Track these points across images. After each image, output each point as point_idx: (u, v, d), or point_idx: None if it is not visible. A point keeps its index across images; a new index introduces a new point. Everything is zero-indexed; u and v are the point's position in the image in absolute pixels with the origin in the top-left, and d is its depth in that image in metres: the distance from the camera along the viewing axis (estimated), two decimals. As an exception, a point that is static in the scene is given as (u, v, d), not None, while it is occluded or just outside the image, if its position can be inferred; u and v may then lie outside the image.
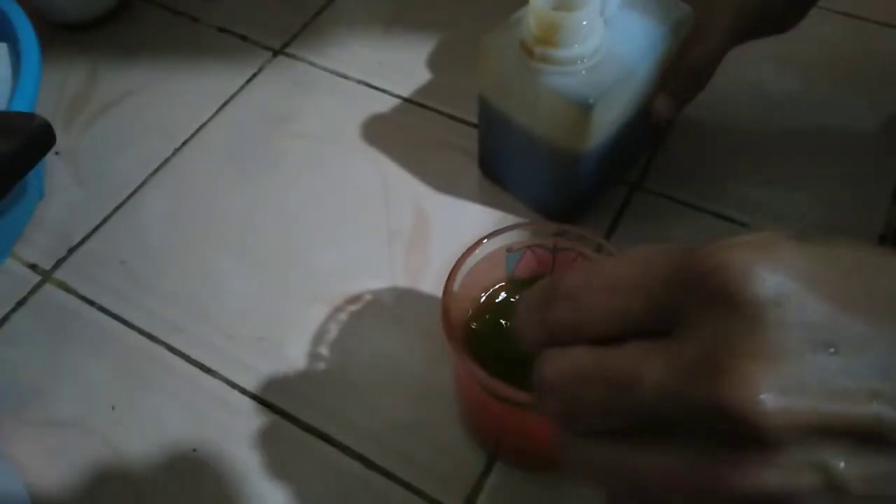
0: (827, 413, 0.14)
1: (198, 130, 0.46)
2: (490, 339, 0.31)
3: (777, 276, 0.15)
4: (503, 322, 0.32)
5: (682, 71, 0.36)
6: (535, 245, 0.32)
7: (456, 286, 0.30)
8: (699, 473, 0.15)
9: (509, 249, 0.32)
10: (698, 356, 0.15)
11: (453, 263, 0.31)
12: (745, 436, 0.14)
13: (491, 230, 0.41)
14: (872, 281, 0.16)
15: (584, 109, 0.33)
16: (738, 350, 0.15)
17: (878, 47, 0.49)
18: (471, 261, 0.31)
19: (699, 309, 0.16)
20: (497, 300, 0.33)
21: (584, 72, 0.33)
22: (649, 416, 0.16)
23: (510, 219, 0.41)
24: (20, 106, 0.38)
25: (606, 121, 0.35)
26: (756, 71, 0.48)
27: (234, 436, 0.35)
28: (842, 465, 0.14)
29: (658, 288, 0.17)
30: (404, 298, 0.39)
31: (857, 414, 0.14)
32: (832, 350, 0.15)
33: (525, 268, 0.33)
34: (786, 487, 0.14)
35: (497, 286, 0.33)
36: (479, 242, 0.31)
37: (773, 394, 0.14)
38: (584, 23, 0.32)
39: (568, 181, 0.37)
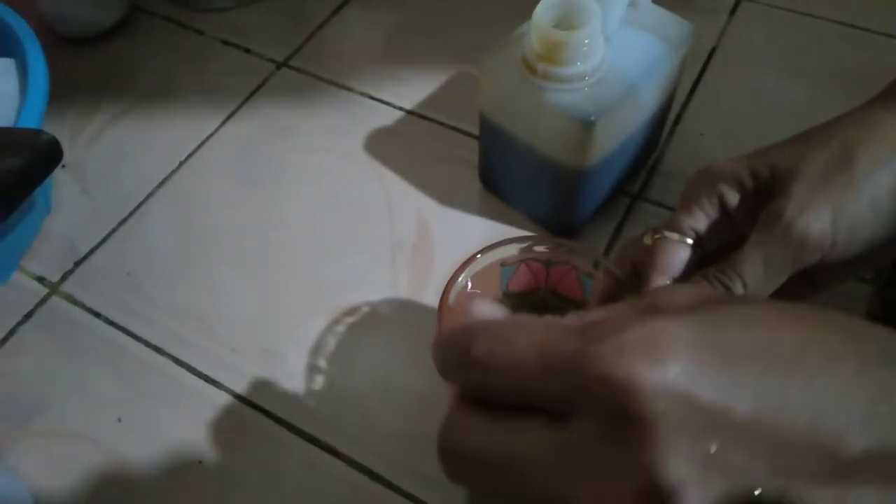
0: None
1: (203, 143, 0.47)
2: None
3: (660, 387, 0.16)
4: None
5: None
6: (529, 259, 0.32)
7: (451, 301, 0.31)
8: None
9: (503, 263, 0.32)
10: (583, 466, 0.16)
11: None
12: None
13: (493, 241, 0.42)
14: (759, 364, 0.16)
15: (585, 127, 0.33)
16: (621, 473, 0.16)
17: (878, 57, 0.49)
18: (465, 275, 0.31)
19: (588, 411, 0.17)
20: None
21: (586, 89, 0.34)
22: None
23: (512, 231, 0.42)
24: (28, 121, 0.38)
25: (608, 138, 0.35)
26: (757, 81, 0.48)
27: (240, 447, 0.35)
28: None
29: (554, 380, 0.18)
30: (407, 310, 0.39)
31: None
32: (714, 450, 0.16)
33: (519, 281, 0.33)
34: None
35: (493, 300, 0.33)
36: (472, 257, 0.31)
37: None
38: (587, 41, 0.32)
39: (569, 196, 0.38)
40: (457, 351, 0.20)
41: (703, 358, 0.16)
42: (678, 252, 0.30)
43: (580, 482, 0.16)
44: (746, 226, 0.30)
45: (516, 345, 0.18)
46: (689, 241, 0.30)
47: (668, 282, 0.30)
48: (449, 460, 0.19)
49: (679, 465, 0.16)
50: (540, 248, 0.32)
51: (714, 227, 0.31)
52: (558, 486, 0.17)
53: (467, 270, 0.31)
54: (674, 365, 0.16)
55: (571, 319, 0.19)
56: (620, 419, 0.16)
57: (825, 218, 0.27)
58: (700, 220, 0.31)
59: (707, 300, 0.18)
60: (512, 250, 0.32)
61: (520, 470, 0.18)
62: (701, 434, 0.16)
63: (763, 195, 0.29)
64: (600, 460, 0.16)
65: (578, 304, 0.33)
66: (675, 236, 0.30)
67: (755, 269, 0.28)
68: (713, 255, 0.31)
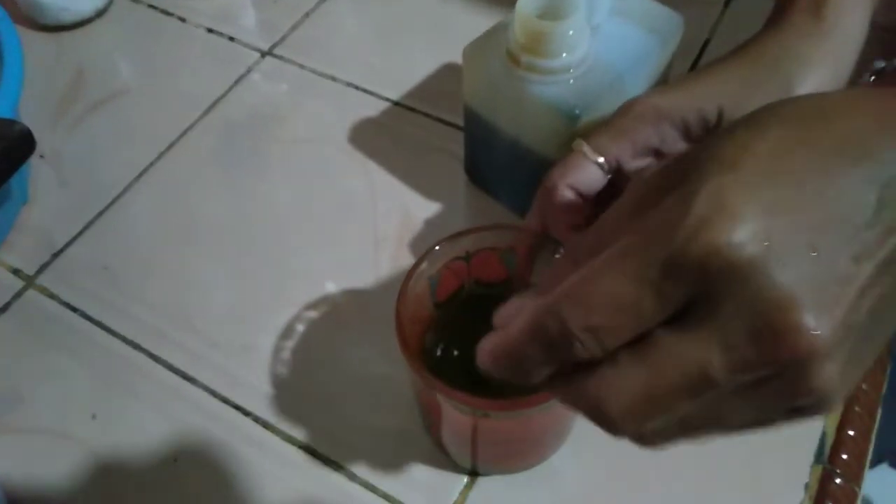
0: (858, 303, 0.17)
1: (184, 133, 0.46)
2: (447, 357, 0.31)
3: (755, 233, 0.16)
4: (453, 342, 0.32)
5: None
6: (449, 261, 0.31)
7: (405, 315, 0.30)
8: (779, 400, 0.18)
9: (429, 277, 0.31)
10: (745, 330, 0.17)
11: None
12: (810, 363, 0.17)
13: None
14: (823, 177, 0.17)
15: (570, 120, 0.32)
16: (772, 307, 0.16)
17: (872, 52, 0.49)
18: (412, 287, 0.30)
19: (713, 291, 0.17)
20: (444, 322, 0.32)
21: (571, 81, 0.33)
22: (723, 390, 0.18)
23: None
24: (2, 111, 0.37)
25: (593, 131, 0.34)
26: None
27: (215, 446, 0.34)
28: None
29: (664, 290, 0.17)
30: (390, 306, 0.38)
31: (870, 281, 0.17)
32: (815, 253, 0.17)
33: (445, 288, 0.32)
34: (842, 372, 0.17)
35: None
36: (416, 266, 0.30)
37: (824, 322, 0.16)
38: (571, 32, 0.31)
39: (554, 191, 0.37)
40: (544, 339, 0.19)
41: (770, 196, 0.17)
42: (587, 170, 0.29)
43: (753, 351, 0.17)
44: None
45: (612, 289, 0.18)
46: (601, 160, 0.29)
47: (570, 196, 0.29)
48: (634, 422, 0.19)
49: (798, 277, 0.16)
50: (462, 242, 0.30)
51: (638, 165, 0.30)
52: (740, 367, 0.17)
53: (412, 281, 0.30)
54: (754, 212, 0.17)
55: (611, 225, 0.19)
56: (744, 277, 0.16)
57: None
58: (626, 152, 0.29)
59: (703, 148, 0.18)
60: (441, 254, 0.30)
61: (700, 381, 0.17)
62: (808, 251, 0.17)
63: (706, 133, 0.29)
64: (757, 323, 0.17)
65: (506, 283, 0.32)
66: (591, 153, 0.29)
67: None
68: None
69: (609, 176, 0.30)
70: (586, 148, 0.29)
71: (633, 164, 0.30)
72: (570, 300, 0.18)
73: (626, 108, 0.29)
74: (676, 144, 0.29)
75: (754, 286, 0.16)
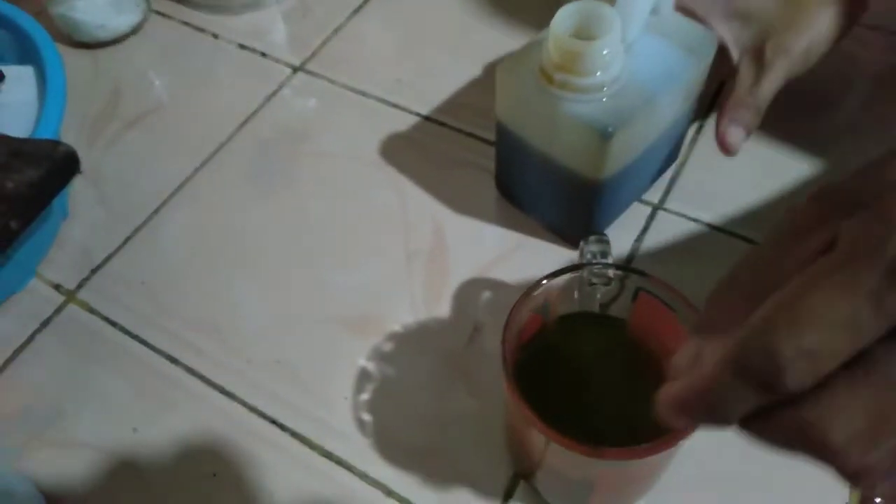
0: None
1: (219, 148, 0.47)
2: (538, 375, 0.30)
3: None
4: (553, 358, 0.31)
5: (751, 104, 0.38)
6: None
7: (513, 330, 0.28)
8: None
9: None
10: None
11: (511, 304, 0.29)
12: None
13: (509, 250, 0.41)
14: None
15: (603, 138, 0.33)
16: None
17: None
18: (528, 303, 0.29)
19: None
20: (543, 339, 0.31)
21: (604, 99, 0.33)
22: None
23: (528, 239, 0.41)
24: (46, 130, 0.38)
25: (626, 149, 0.34)
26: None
27: (253, 460, 0.35)
28: None
29: (886, 301, 0.16)
30: (422, 320, 0.39)
31: None
32: None
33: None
34: None
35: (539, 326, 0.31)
36: (538, 283, 0.29)
37: None
38: (605, 51, 0.32)
39: (585, 206, 0.37)
40: (748, 373, 0.17)
41: None
42: None
43: None
44: None
45: (824, 308, 0.17)
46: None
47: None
48: (862, 448, 0.17)
49: None
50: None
51: None
52: None
53: (532, 297, 0.29)
54: None
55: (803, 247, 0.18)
56: None
57: None
58: None
59: None
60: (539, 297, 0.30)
61: None
62: None
63: None
64: None
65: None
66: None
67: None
68: None
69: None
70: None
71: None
72: (776, 326, 0.17)
73: None
74: None
75: None
